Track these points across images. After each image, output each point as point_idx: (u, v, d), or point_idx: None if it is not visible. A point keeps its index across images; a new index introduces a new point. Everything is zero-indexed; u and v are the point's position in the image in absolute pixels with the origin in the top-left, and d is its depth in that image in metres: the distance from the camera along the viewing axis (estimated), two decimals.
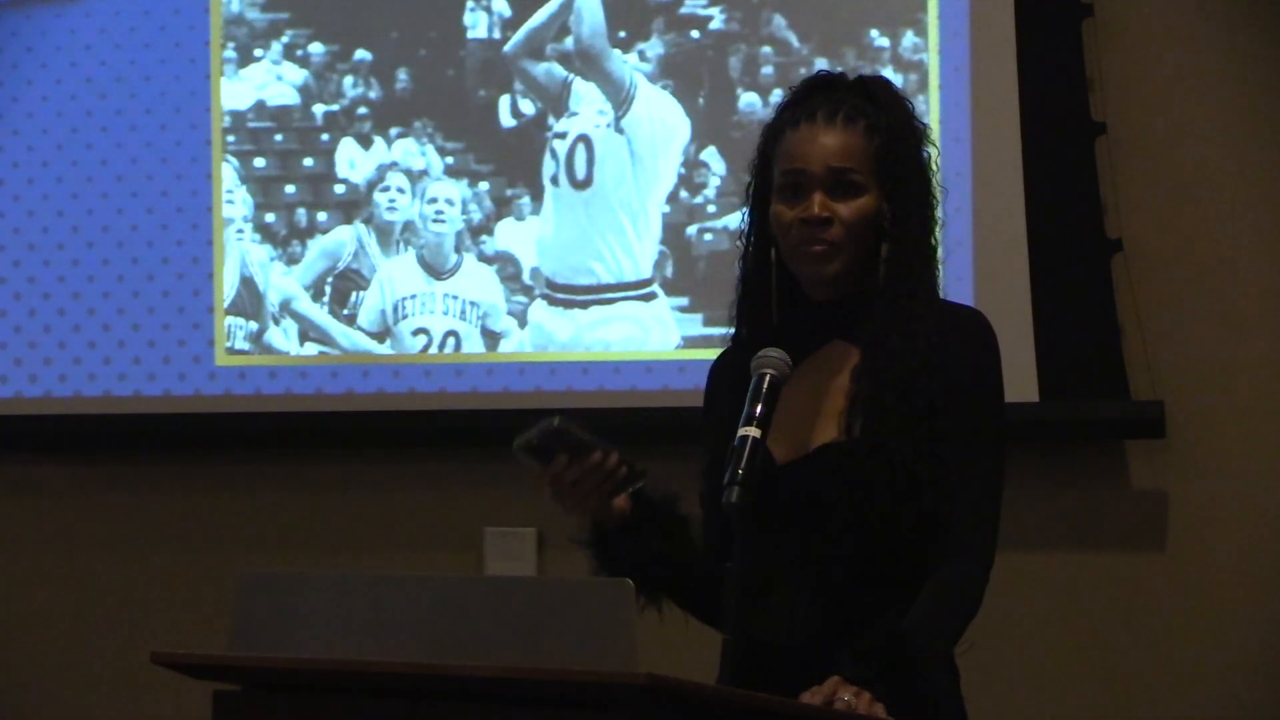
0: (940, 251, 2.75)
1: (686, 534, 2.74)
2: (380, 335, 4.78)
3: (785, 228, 2.68)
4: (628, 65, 4.69)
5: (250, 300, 4.83)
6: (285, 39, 4.85)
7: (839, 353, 2.70)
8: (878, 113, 2.69)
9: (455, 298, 4.76)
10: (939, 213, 2.74)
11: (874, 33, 4.56)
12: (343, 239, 4.81)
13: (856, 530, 2.60)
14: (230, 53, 4.86)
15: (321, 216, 4.83)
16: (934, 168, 2.75)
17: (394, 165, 4.79)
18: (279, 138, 4.85)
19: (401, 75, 4.79)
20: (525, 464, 2.62)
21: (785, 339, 2.65)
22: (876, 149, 2.67)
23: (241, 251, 4.84)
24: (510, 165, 4.74)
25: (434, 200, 4.77)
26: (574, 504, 2.65)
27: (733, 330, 2.79)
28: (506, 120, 4.75)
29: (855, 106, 2.69)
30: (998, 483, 2.64)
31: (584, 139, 4.71)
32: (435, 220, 4.77)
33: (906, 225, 2.67)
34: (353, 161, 4.81)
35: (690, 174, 4.66)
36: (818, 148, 2.66)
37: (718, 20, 4.66)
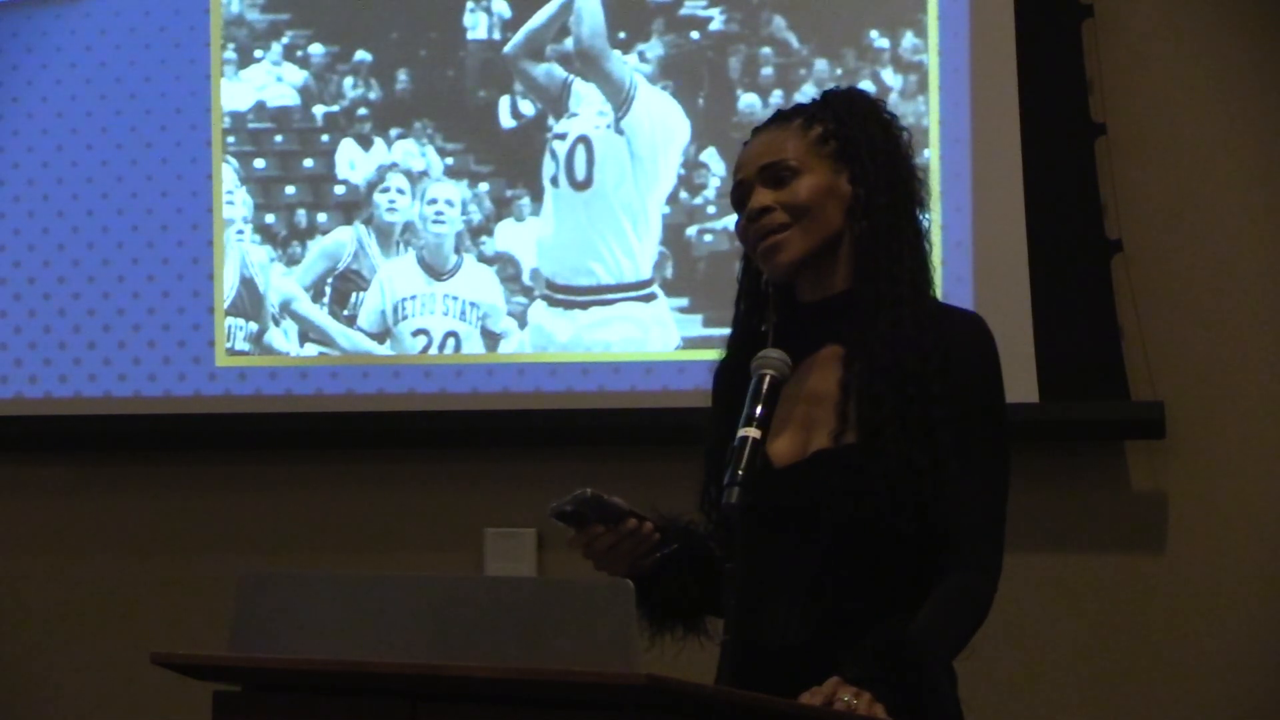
0: (930, 240, 2.76)
1: (714, 558, 2.76)
2: (380, 336, 4.78)
3: (742, 236, 2.75)
4: (628, 66, 4.70)
5: (250, 301, 4.83)
6: (285, 40, 4.85)
7: (833, 357, 2.71)
8: (825, 109, 2.75)
9: (455, 298, 4.76)
10: (924, 196, 2.75)
11: (874, 33, 4.56)
12: (343, 240, 4.81)
13: (851, 535, 2.61)
14: (230, 54, 4.86)
15: (321, 217, 4.83)
16: (909, 154, 2.75)
17: (394, 166, 4.80)
18: (279, 139, 4.85)
19: (401, 76, 4.79)
20: (560, 525, 2.66)
21: (781, 342, 2.66)
22: (818, 136, 2.72)
23: (242, 252, 4.84)
24: (510, 166, 4.75)
25: (434, 201, 4.77)
26: (608, 567, 2.68)
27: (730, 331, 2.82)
28: (506, 121, 4.75)
29: (798, 109, 2.77)
30: (1003, 490, 2.64)
31: (584, 140, 4.71)
32: (435, 221, 4.78)
33: (872, 201, 2.69)
34: (353, 162, 4.82)
35: (690, 175, 4.66)
36: (750, 154, 2.76)
37: (718, 21, 4.66)
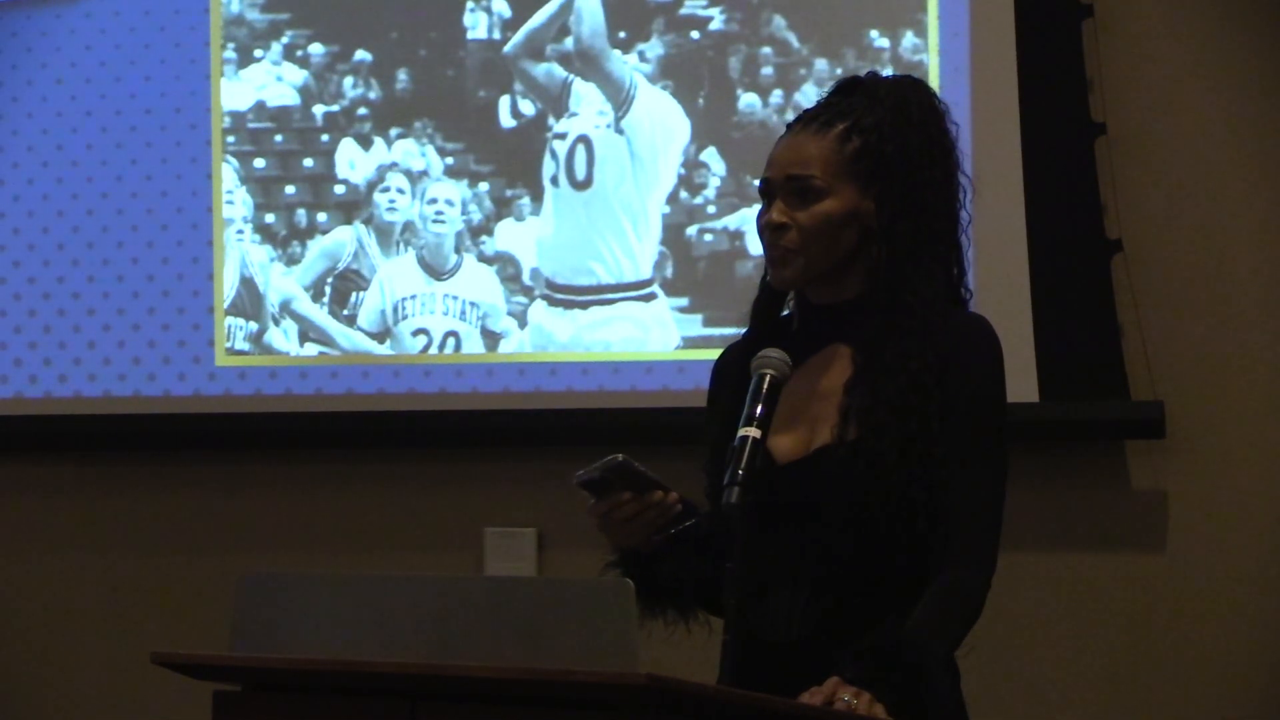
0: (963, 251, 2.74)
1: (715, 547, 2.75)
2: (380, 336, 4.78)
3: (760, 233, 2.73)
4: (628, 66, 4.69)
5: (250, 301, 4.83)
6: (285, 39, 4.85)
7: (840, 356, 2.71)
8: (871, 113, 2.69)
9: (455, 298, 4.76)
10: (962, 211, 2.73)
11: (874, 33, 4.56)
12: (343, 239, 4.81)
13: (852, 532, 2.61)
14: (230, 53, 4.86)
15: (321, 217, 4.83)
16: (952, 165, 2.72)
17: (394, 166, 4.79)
18: (279, 138, 4.85)
19: (401, 76, 4.79)
20: (581, 495, 2.65)
21: (791, 339, 2.67)
22: (853, 151, 2.68)
23: (241, 252, 4.84)
24: (510, 166, 4.74)
25: (434, 201, 4.77)
26: (621, 540, 2.67)
27: (745, 328, 2.82)
28: (506, 121, 4.75)
29: (843, 110, 2.71)
30: (1000, 491, 2.64)
31: (584, 139, 4.71)
32: (435, 221, 4.77)
33: (893, 227, 2.67)
34: (353, 162, 4.82)
35: (690, 174, 4.66)
36: (782, 156, 2.71)
37: (718, 21, 4.66)
